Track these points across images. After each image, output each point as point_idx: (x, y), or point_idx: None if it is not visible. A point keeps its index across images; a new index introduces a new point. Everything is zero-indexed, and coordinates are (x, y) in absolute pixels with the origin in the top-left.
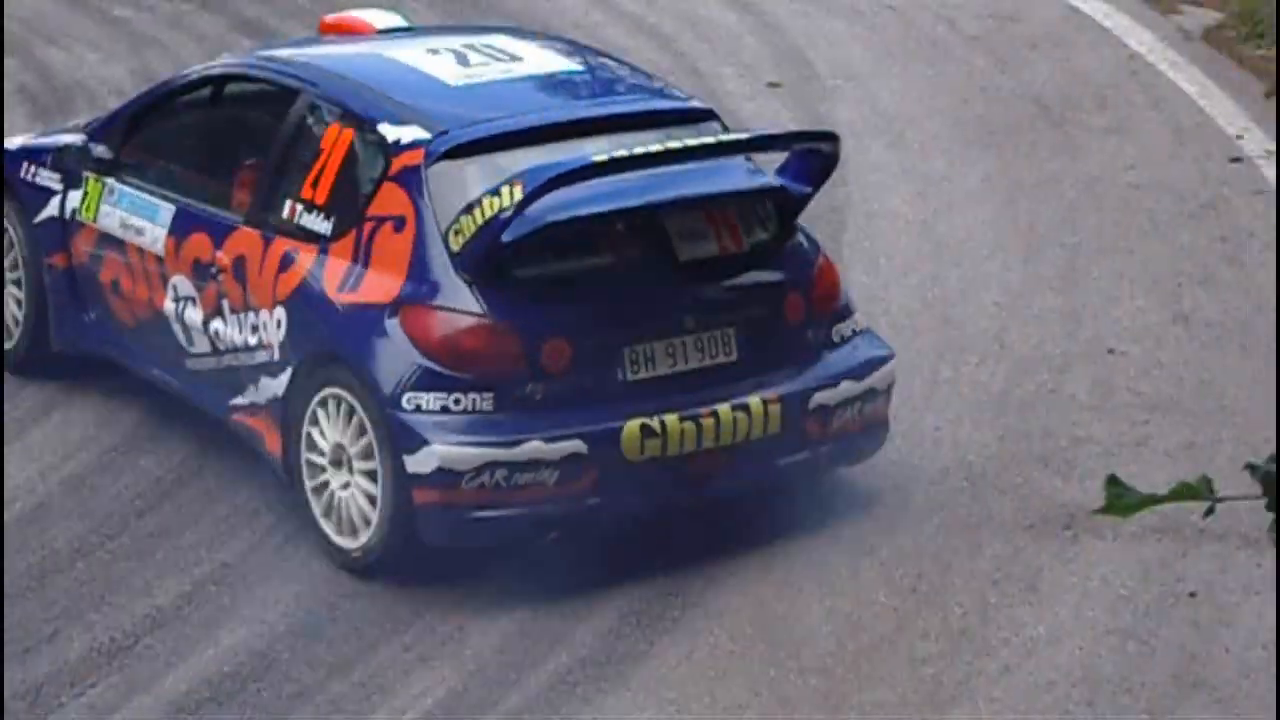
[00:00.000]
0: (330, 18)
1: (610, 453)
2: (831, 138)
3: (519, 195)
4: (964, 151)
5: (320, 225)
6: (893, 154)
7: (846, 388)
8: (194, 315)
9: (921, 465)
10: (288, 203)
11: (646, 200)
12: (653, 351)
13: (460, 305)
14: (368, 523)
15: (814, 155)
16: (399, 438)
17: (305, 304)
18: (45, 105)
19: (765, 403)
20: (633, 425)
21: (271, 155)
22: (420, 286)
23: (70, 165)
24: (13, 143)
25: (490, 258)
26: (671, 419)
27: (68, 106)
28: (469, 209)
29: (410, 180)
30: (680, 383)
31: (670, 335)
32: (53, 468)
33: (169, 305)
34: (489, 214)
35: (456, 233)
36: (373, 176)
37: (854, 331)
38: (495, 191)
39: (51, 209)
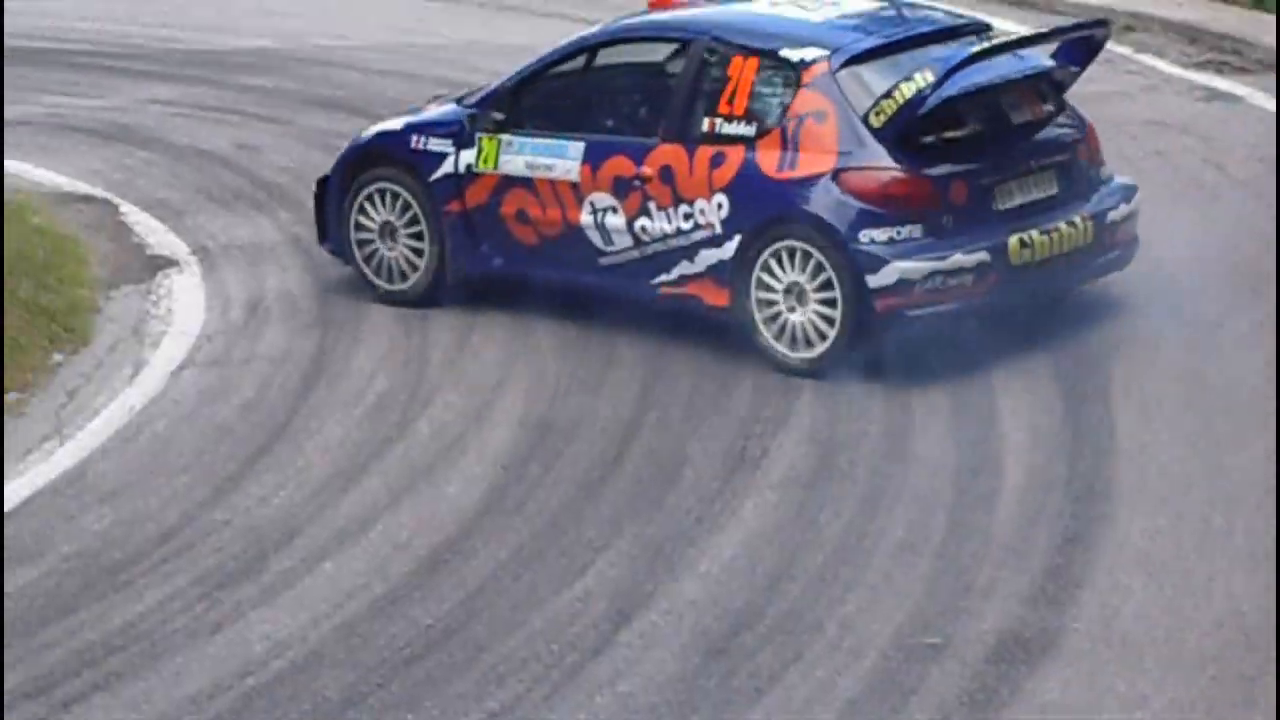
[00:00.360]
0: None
1: (1003, 259)
2: (1102, 24)
3: (931, 79)
4: (1234, 297)
5: (743, 130)
6: (1162, 298)
7: (1123, 209)
8: (615, 220)
9: (1194, 616)
10: (705, 120)
11: (991, 80)
12: (1011, 188)
13: (888, 165)
14: (824, 337)
15: (1082, 41)
16: (861, 263)
17: (746, 186)
18: (317, 256)
19: (1084, 219)
20: (1014, 239)
21: (678, 88)
22: (851, 157)
23: (460, 131)
24: (394, 124)
25: (907, 129)
26: (1034, 234)
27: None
28: (888, 94)
29: (823, 84)
30: (1031, 208)
31: (1020, 175)
32: (324, 616)
33: (585, 218)
34: (909, 94)
35: (878, 113)
36: (786, 87)
37: (1111, 174)
38: (909, 78)
39: (446, 168)
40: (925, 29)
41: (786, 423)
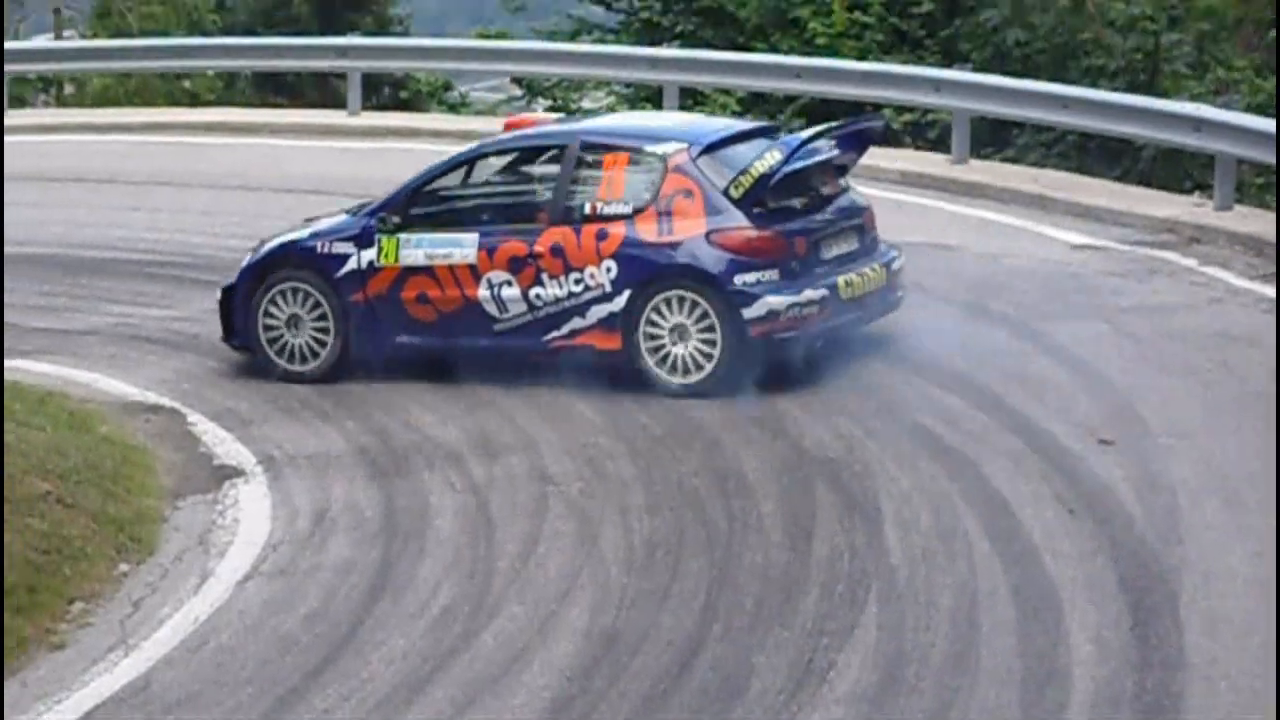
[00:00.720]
0: (511, 118)
1: (835, 294)
2: (877, 119)
3: (779, 157)
4: None
5: (621, 209)
6: (1229, 513)
7: (900, 261)
8: (511, 291)
9: None
10: (587, 204)
11: (807, 162)
12: (831, 242)
13: (748, 226)
14: (705, 364)
15: (860, 134)
16: (738, 300)
17: (631, 251)
18: (384, 467)
19: (879, 266)
20: (841, 279)
21: (560, 183)
22: (718, 220)
23: (359, 235)
24: (298, 234)
25: (759, 197)
26: (853, 276)
27: (404, 467)
28: (744, 171)
29: (687, 169)
30: (845, 258)
31: (836, 233)
32: None
33: (483, 293)
34: (763, 170)
35: (737, 186)
36: (655, 173)
37: (879, 235)
38: (760, 158)
39: (350, 265)
40: (741, 129)
41: (852, 635)
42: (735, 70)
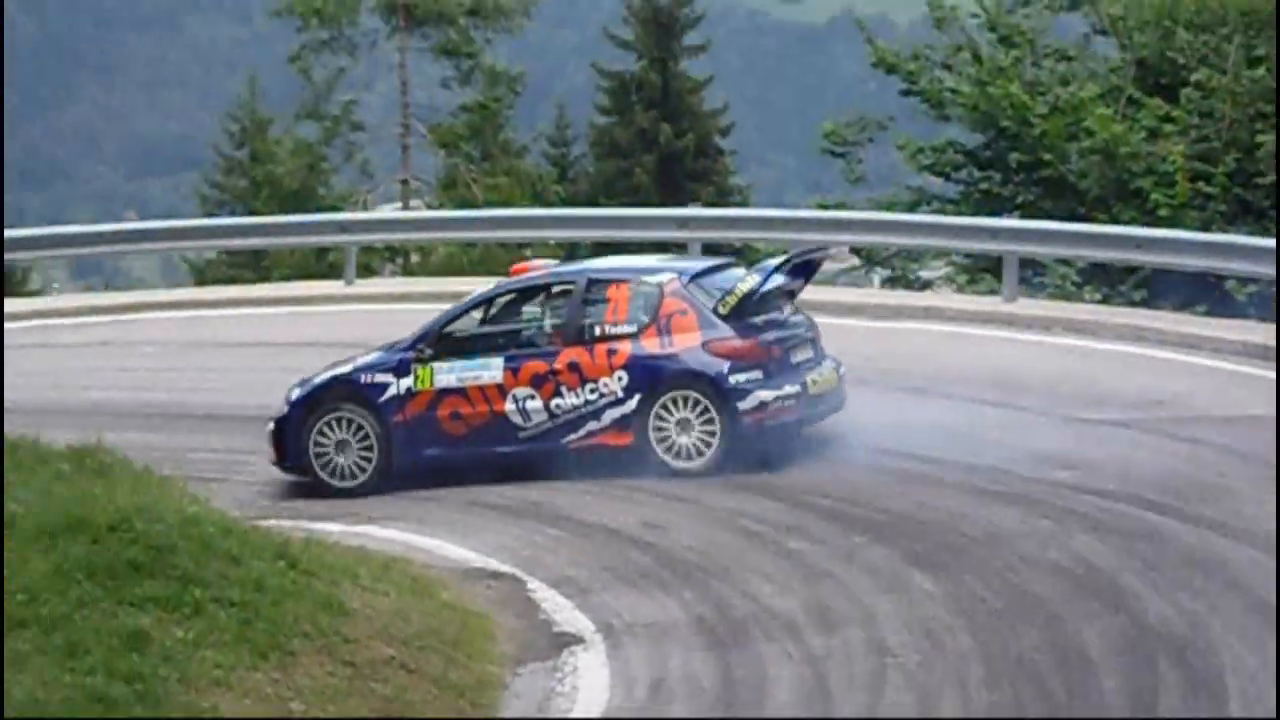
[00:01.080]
0: (516, 265)
1: (805, 390)
2: (822, 250)
3: (757, 279)
4: None
5: (626, 329)
6: None
7: (843, 368)
8: (534, 404)
9: None
10: (596, 328)
11: (778, 285)
12: (796, 349)
13: (736, 336)
14: (700, 452)
15: (808, 264)
16: (734, 395)
17: (639, 362)
18: (721, 636)
19: (833, 370)
20: (809, 378)
21: (572, 312)
22: (711, 333)
23: (397, 366)
24: (341, 370)
25: (743, 312)
26: (816, 376)
27: (742, 638)
28: (730, 292)
29: (680, 293)
30: (806, 362)
31: (798, 343)
32: None
33: (509, 406)
34: (746, 290)
35: (724, 305)
36: (653, 299)
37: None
38: (742, 281)
39: (391, 392)
40: (713, 262)
41: None
42: (1076, 241)
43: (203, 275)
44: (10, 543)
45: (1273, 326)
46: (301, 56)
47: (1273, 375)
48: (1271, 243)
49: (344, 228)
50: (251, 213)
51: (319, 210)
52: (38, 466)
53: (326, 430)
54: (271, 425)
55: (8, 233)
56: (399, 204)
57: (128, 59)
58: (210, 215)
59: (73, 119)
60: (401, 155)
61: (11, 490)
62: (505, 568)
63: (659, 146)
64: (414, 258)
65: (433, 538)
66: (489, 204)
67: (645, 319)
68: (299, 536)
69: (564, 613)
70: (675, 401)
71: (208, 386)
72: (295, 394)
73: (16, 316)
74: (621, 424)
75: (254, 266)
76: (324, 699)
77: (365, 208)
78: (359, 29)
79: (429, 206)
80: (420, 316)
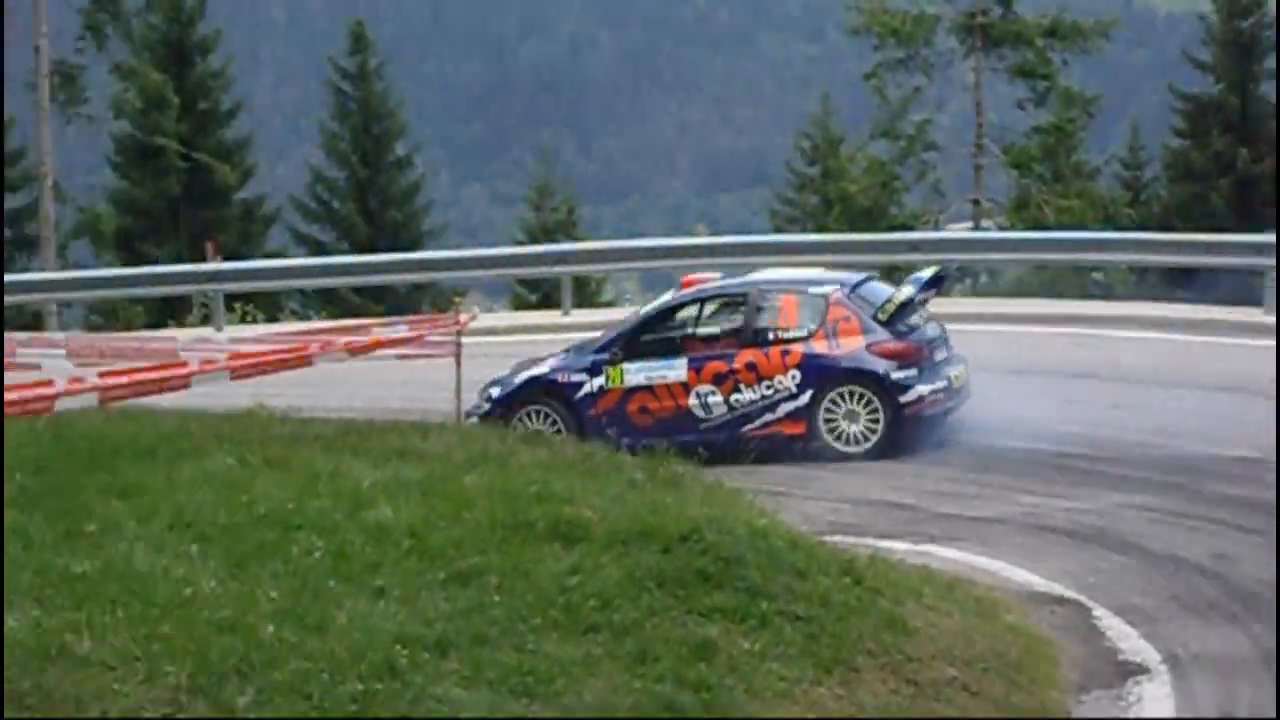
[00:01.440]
0: (686, 279)
1: (950, 385)
2: (947, 268)
3: (911, 290)
4: None
5: (797, 333)
6: None
7: (968, 363)
8: (716, 399)
9: None
10: (770, 331)
11: (924, 295)
12: (938, 350)
13: (895, 339)
14: (866, 439)
15: (939, 278)
16: (896, 390)
17: (811, 362)
18: None
19: (965, 368)
20: (952, 374)
21: (748, 317)
22: (872, 337)
23: (590, 367)
24: (540, 370)
25: (898, 319)
26: (956, 372)
27: None
28: (887, 301)
29: (843, 302)
30: (945, 360)
31: (940, 344)
32: None
33: (692, 401)
34: (902, 299)
35: (884, 312)
36: (820, 307)
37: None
38: (899, 291)
39: (585, 390)
40: (864, 275)
41: None
42: None
43: None
44: (585, 548)
45: None
46: (876, 75)
47: None
48: None
49: (915, 246)
50: (821, 230)
51: (890, 229)
52: (612, 475)
53: (526, 420)
54: (474, 419)
55: (581, 245)
56: (969, 224)
57: (702, 75)
58: (779, 231)
59: (647, 134)
60: (974, 175)
61: (586, 498)
62: (1069, 593)
63: (1235, 171)
64: (982, 278)
65: (997, 559)
66: (1060, 226)
67: (814, 325)
68: (864, 553)
69: (1128, 641)
70: (844, 395)
71: None
72: (495, 392)
73: (595, 327)
74: (795, 416)
75: None
76: (886, 717)
77: (936, 227)
78: (934, 49)
79: (999, 227)
80: (986, 338)
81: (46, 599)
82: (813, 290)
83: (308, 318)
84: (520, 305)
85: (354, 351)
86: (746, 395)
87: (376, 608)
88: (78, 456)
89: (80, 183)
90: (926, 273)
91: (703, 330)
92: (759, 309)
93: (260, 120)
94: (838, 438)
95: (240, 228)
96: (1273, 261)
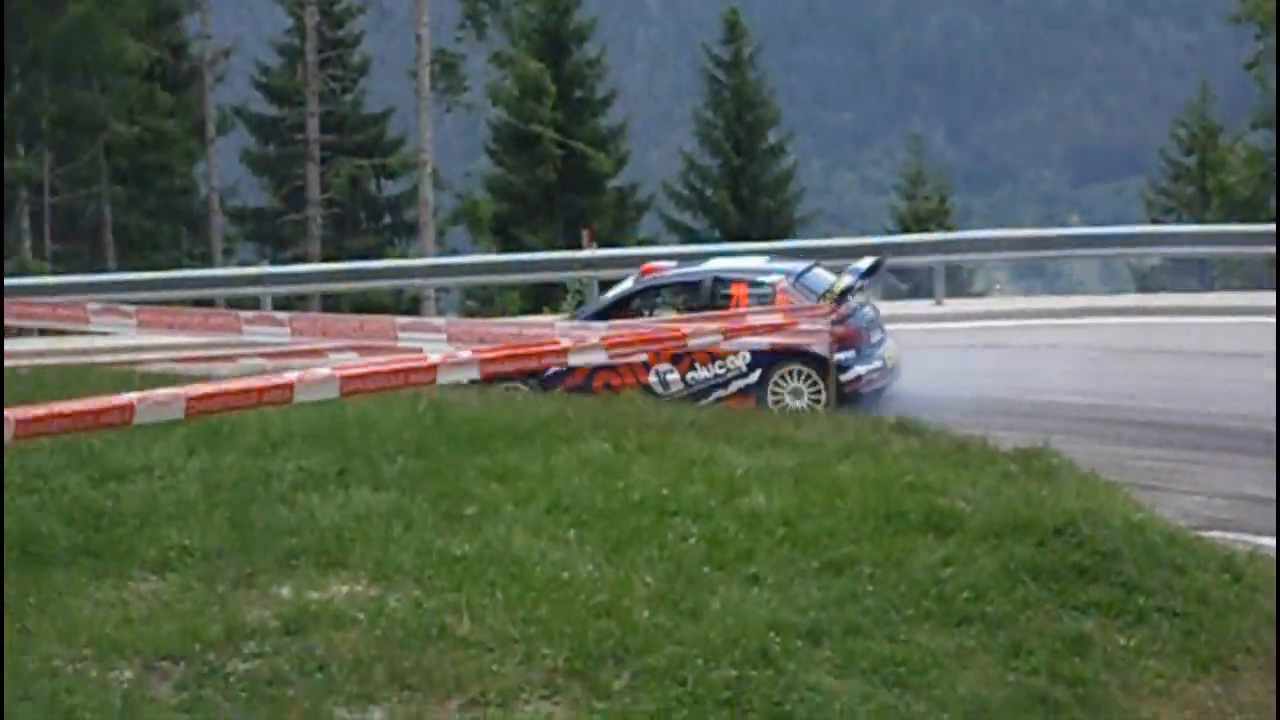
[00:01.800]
0: (645, 266)
1: (884, 364)
2: (881, 256)
3: (850, 279)
4: None
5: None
6: None
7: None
8: (673, 376)
9: None
10: None
11: (862, 282)
12: (873, 332)
13: (838, 323)
14: (811, 412)
15: (877, 266)
16: (838, 370)
17: (759, 344)
18: None
19: (895, 349)
20: (886, 354)
21: (703, 302)
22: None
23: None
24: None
25: (840, 302)
26: (889, 352)
27: None
28: (829, 289)
29: (789, 290)
30: (879, 343)
31: (874, 327)
32: None
33: (652, 379)
34: (843, 287)
35: (827, 297)
36: (768, 295)
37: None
38: (839, 279)
39: (555, 367)
40: (807, 263)
41: None
42: None
43: (1146, 281)
44: (958, 539)
45: None
46: (1258, 64)
47: None
48: None
49: None
50: (1199, 221)
51: (1269, 221)
52: (986, 466)
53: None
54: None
55: (958, 234)
56: None
57: (1077, 63)
58: (1155, 222)
59: (1020, 122)
60: None
61: (959, 488)
62: None
63: None
64: None
65: None
66: None
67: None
68: (1243, 549)
69: None
70: (789, 374)
71: (1149, 393)
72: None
73: (967, 316)
74: (744, 392)
75: (1199, 275)
76: (1266, 717)
77: None
78: None
79: None
80: None
81: (427, 580)
82: (762, 279)
83: None
84: (890, 295)
85: (728, 336)
86: (701, 373)
87: (750, 594)
88: (458, 440)
89: (458, 169)
90: (865, 262)
91: (660, 314)
92: (712, 296)
93: (633, 107)
94: (778, 408)
95: (614, 215)
96: None
